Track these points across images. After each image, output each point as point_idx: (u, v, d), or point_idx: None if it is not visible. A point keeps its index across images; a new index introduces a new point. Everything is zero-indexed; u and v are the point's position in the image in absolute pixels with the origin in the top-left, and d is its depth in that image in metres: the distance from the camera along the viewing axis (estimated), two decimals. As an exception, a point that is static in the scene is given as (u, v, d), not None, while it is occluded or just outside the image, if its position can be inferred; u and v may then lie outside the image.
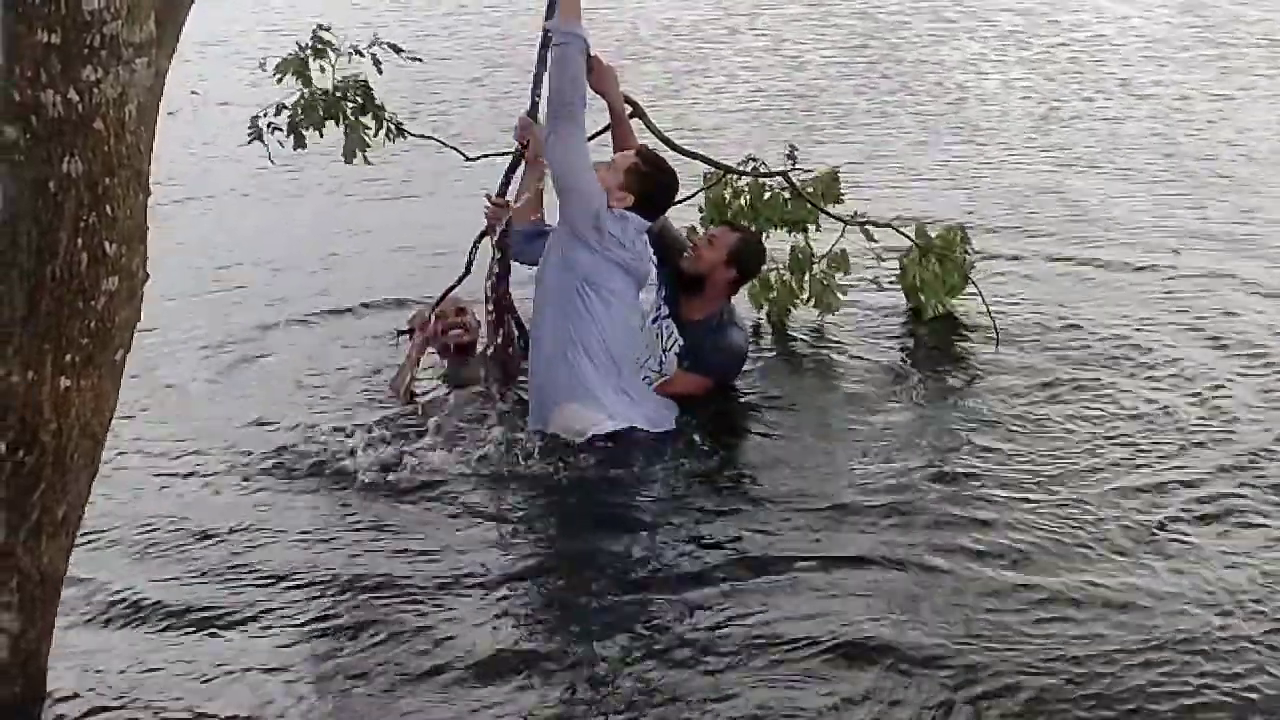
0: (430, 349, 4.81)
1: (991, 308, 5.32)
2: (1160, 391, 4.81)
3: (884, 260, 5.52)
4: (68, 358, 2.51)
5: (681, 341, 4.65)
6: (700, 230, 5.13)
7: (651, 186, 4.37)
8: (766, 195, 5.25)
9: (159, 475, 4.29)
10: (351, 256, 6.63)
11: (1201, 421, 4.54)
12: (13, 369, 2.50)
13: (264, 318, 5.78)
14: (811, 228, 5.29)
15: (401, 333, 4.90)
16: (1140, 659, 3.21)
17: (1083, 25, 11.92)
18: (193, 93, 9.07)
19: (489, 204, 4.61)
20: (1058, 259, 6.37)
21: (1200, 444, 4.37)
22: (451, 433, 4.41)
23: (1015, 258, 6.39)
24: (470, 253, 4.75)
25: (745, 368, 4.92)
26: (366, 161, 4.81)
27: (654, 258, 4.49)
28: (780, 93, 9.94)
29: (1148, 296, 5.80)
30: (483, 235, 4.68)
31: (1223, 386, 4.84)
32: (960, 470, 4.19)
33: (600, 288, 4.26)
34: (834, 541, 3.79)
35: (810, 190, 5.21)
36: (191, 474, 4.31)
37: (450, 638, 3.35)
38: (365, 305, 5.86)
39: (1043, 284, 6.02)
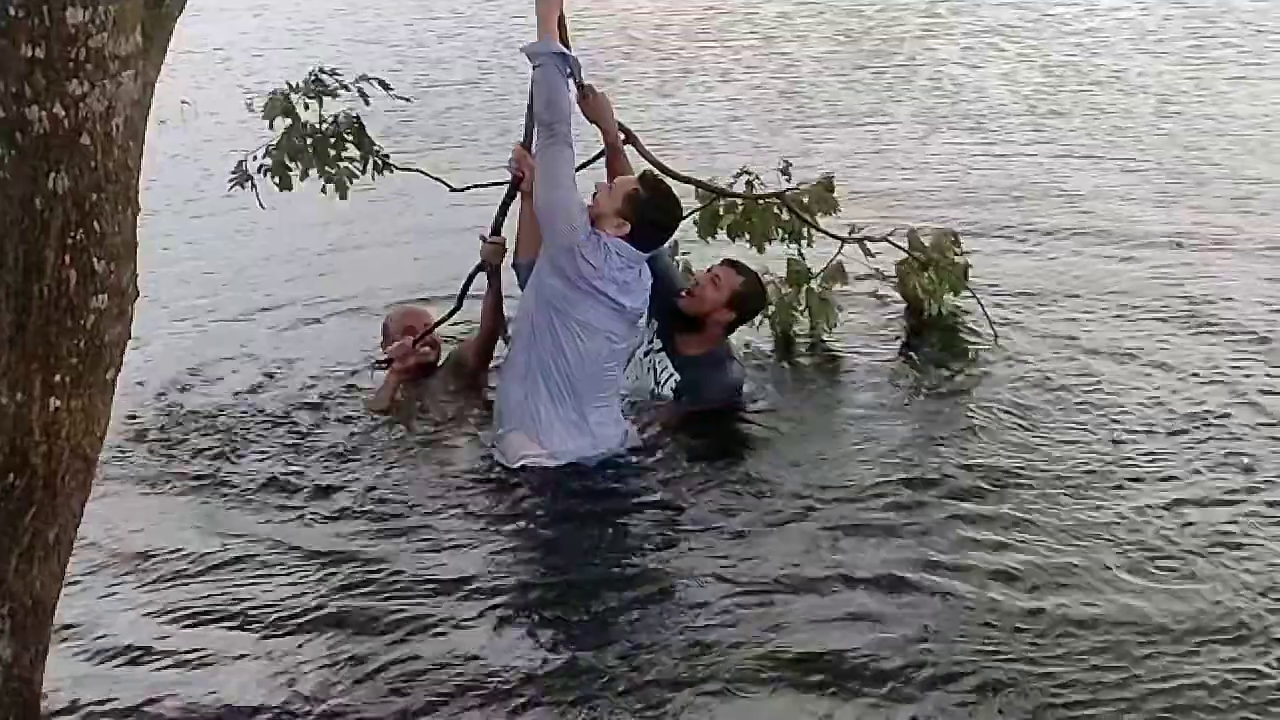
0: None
1: (990, 302, 5.30)
2: (1163, 389, 4.77)
3: (883, 272, 5.43)
4: (57, 378, 2.45)
5: (677, 377, 4.56)
6: (692, 271, 4.96)
7: (651, 214, 4.18)
8: (760, 209, 5.15)
9: (144, 497, 4.23)
10: (346, 264, 6.59)
11: (1206, 420, 4.49)
12: (1, 391, 2.44)
13: (249, 328, 5.75)
14: (806, 240, 5.20)
15: (379, 364, 4.82)
16: (1148, 682, 3.13)
17: (1075, 18, 11.90)
18: (183, 102, 9.01)
19: (484, 242, 4.56)
20: (1055, 250, 6.36)
21: (1205, 444, 4.32)
22: (431, 451, 4.40)
23: (1012, 249, 6.39)
24: (463, 288, 4.71)
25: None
26: (344, 197, 4.73)
27: (648, 287, 4.30)
28: (773, 91, 9.91)
29: (1148, 288, 5.78)
30: (476, 270, 4.63)
31: (1224, 381, 4.81)
32: (962, 483, 4.09)
33: (569, 318, 4.11)
34: (835, 559, 3.69)
35: (804, 201, 5.12)
36: (176, 497, 4.25)
37: (439, 666, 3.28)
38: (354, 310, 5.83)
39: (1041, 275, 6.01)
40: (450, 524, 3.98)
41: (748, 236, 5.14)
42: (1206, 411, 4.56)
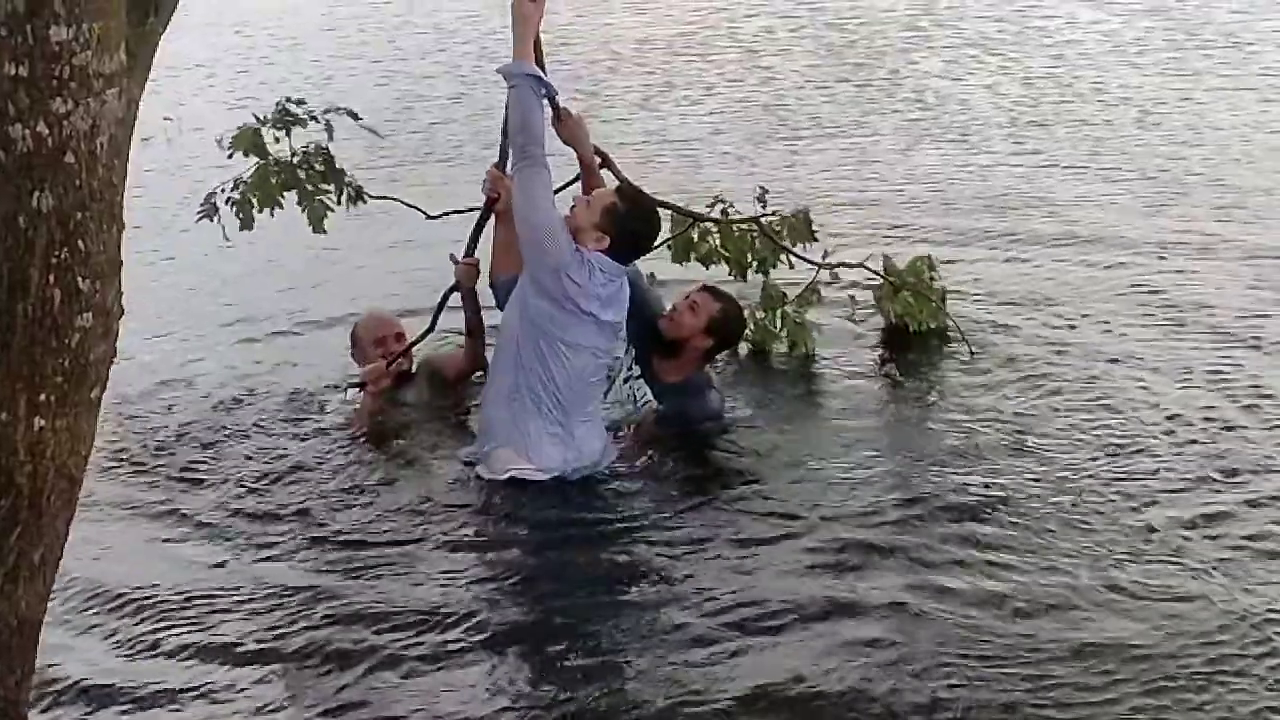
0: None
1: (974, 310, 5.37)
2: (1151, 397, 4.80)
3: (857, 299, 5.45)
4: (42, 397, 2.43)
5: (657, 405, 4.54)
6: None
7: (631, 226, 4.17)
8: (735, 235, 5.16)
9: (118, 522, 4.18)
10: (329, 278, 6.57)
11: (1197, 430, 4.52)
12: (-15, 411, 2.42)
13: (227, 344, 5.75)
14: (783, 264, 5.22)
15: (353, 385, 4.79)
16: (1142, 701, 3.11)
17: (1056, 31, 11.97)
18: (166, 119, 8.99)
19: (457, 264, 4.55)
20: (1039, 259, 6.41)
21: (1196, 454, 4.33)
22: (409, 473, 4.39)
23: (996, 259, 6.43)
24: (437, 308, 4.70)
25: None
26: (318, 231, 4.71)
27: (627, 300, 4.30)
28: (756, 105, 9.94)
29: (1133, 295, 5.82)
30: (450, 291, 4.64)
31: (1210, 388, 4.84)
32: (952, 501, 4.06)
33: (555, 339, 4.11)
34: (826, 584, 3.64)
35: (779, 230, 5.13)
36: (148, 522, 4.22)
37: (417, 696, 3.25)
38: (335, 324, 5.79)
39: (1025, 284, 6.05)
40: (429, 552, 3.93)
41: (724, 263, 5.13)
42: (1197, 419, 4.59)
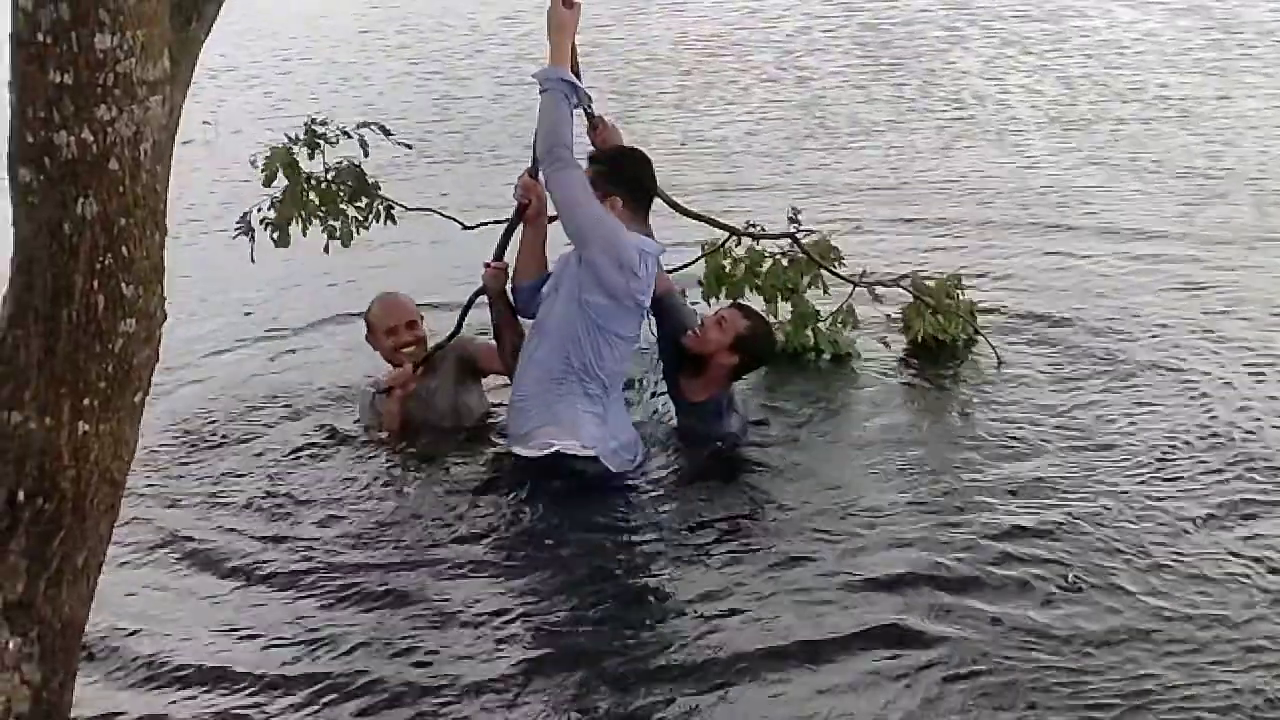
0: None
1: (1008, 315, 5.32)
2: (1183, 401, 4.71)
3: (892, 317, 5.35)
4: (86, 402, 2.45)
5: (675, 423, 4.47)
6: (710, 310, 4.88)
7: (627, 174, 4.23)
8: (767, 264, 5.15)
9: (148, 522, 4.16)
10: (362, 279, 6.60)
11: (1222, 437, 4.42)
12: (30, 415, 2.44)
13: (266, 346, 5.79)
14: (821, 286, 5.17)
15: (380, 391, 4.69)
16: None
17: (1095, 31, 11.87)
18: (205, 122, 9.07)
19: (487, 268, 4.52)
20: (1076, 262, 6.33)
21: (1240, 461, 4.24)
22: (437, 473, 4.37)
23: (1034, 262, 6.36)
24: (462, 313, 4.66)
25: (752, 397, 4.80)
26: (346, 245, 4.73)
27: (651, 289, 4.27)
28: (792, 105, 9.91)
29: (1169, 299, 5.73)
30: (476, 295, 4.60)
31: (1243, 395, 4.74)
32: (972, 522, 3.89)
33: (610, 333, 4.16)
34: (845, 608, 3.49)
35: (809, 249, 5.10)
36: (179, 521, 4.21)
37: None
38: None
39: (1062, 286, 5.97)
40: (457, 551, 3.90)
41: (756, 292, 5.10)
42: (1241, 420, 4.50)
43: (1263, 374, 4.92)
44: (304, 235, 4.70)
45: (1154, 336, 5.34)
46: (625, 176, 4.24)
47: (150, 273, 2.45)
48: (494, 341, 4.61)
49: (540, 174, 4.28)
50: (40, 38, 2.25)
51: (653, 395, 4.59)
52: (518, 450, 4.23)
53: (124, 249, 2.38)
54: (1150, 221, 6.86)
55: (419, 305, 4.89)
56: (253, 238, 4.60)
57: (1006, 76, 10.40)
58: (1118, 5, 12.79)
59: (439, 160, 8.71)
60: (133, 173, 2.35)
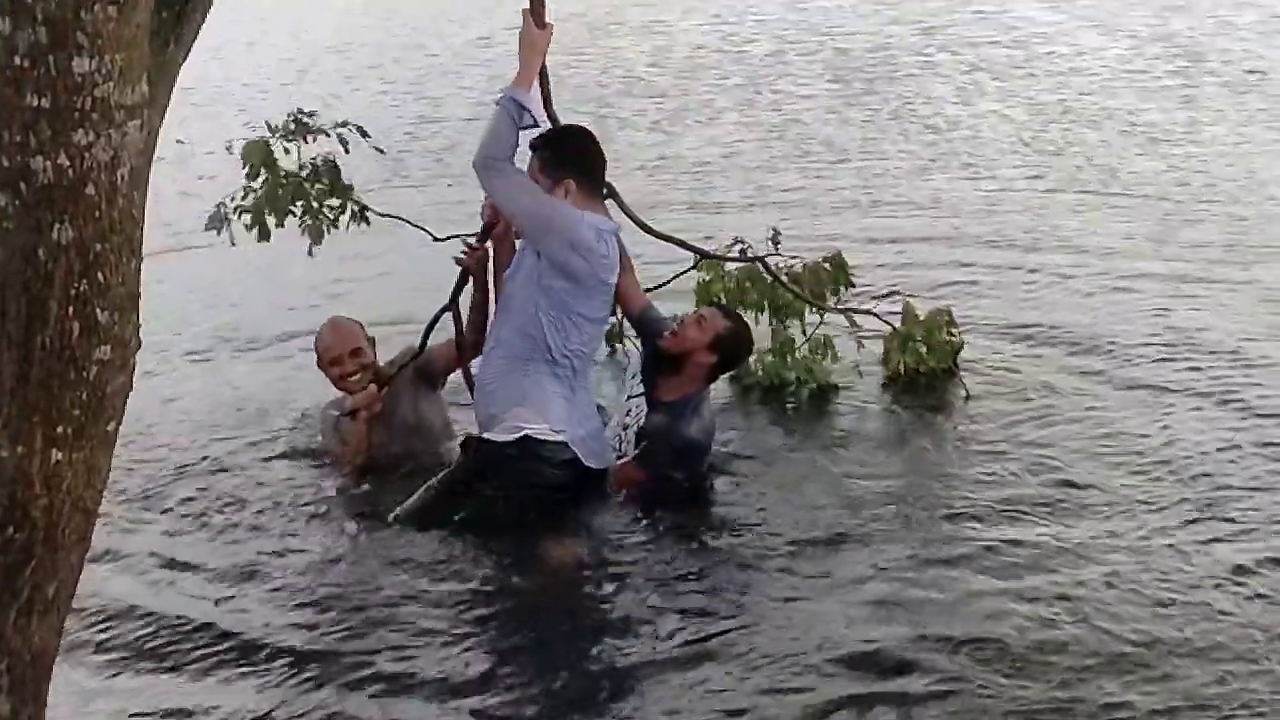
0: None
1: (984, 335, 5.36)
2: (1152, 423, 4.76)
3: (865, 346, 5.33)
4: (59, 429, 2.40)
5: (641, 423, 4.41)
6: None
7: (573, 149, 4.19)
8: (760, 279, 5.13)
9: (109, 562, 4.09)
10: (343, 294, 6.57)
11: (1195, 458, 4.47)
12: (2, 443, 2.39)
13: (231, 366, 5.76)
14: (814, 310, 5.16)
15: (344, 414, 4.60)
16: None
17: (1064, 58, 12.00)
18: (179, 141, 9.01)
19: (466, 249, 4.50)
20: (1046, 286, 6.38)
21: (1196, 490, 4.27)
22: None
23: (1002, 285, 6.40)
24: (426, 332, 4.60)
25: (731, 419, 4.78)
26: (318, 243, 4.69)
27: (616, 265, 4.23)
28: (765, 128, 9.96)
29: (1138, 322, 5.78)
30: (440, 314, 4.54)
31: (1212, 420, 4.79)
32: (955, 546, 3.91)
33: (574, 314, 4.12)
34: (827, 637, 3.47)
35: (800, 277, 5.10)
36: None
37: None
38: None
39: (1031, 310, 6.01)
40: (421, 583, 3.85)
41: (746, 309, 5.08)
42: (1210, 447, 4.54)
43: (1238, 394, 4.97)
44: (280, 226, 4.65)
45: (1127, 359, 5.39)
46: (570, 156, 4.18)
47: (126, 299, 2.41)
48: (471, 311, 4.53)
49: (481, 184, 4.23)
50: (17, 61, 2.21)
51: (628, 397, 4.56)
52: (487, 436, 4.12)
53: (100, 275, 2.34)
54: (1121, 244, 6.93)
55: (388, 324, 4.84)
56: (227, 230, 4.57)
57: (977, 102, 10.50)
58: (1086, 33, 12.94)
59: (416, 182, 8.70)
60: (110, 198, 2.31)
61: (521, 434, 4.05)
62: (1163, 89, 10.59)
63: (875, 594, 3.69)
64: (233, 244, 4.63)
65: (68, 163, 2.26)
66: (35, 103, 2.23)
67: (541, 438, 4.06)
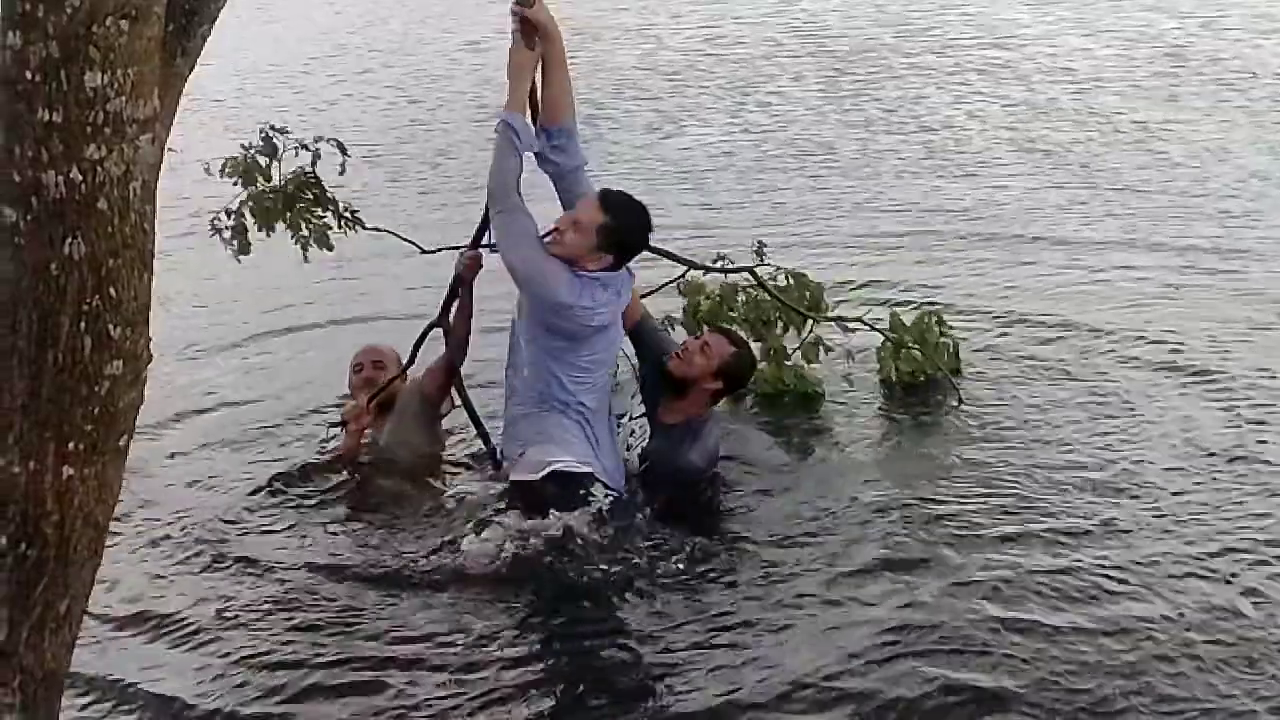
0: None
1: (972, 340, 5.35)
2: (1157, 434, 4.75)
3: (855, 354, 5.29)
4: (70, 445, 2.39)
5: (644, 445, 4.43)
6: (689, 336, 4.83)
7: (628, 237, 4.12)
8: (741, 299, 5.16)
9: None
10: (335, 292, 6.56)
11: (1187, 453, 4.51)
12: (13, 459, 2.38)
13: (225, 366, 5.79)
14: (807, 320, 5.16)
15: (334, 425, 4.73)
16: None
17: (1051, 58, 12.02)
18: (169, 150, 8.96)
19: (462, 256, 4.51)
20: (1036, 287, 6.40)
21: (1189, 482, 4.31)
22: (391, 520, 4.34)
23: (994, 287, 6.41)
24: (415, 345, 4.65)
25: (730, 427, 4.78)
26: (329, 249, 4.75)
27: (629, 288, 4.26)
28: (757, 132, 9.96)
29: (1129, 325, 5.79)
30: (429, 329, 4.59)
31: (1202, 414, 4.81)
32: (954, 556, 3.88)
33: (579, 356, 4.14)
34: (832, 656, 3.44)
35: (785, 287, 5.11)
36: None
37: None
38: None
39: (1022, 312, 6.01)
40: (425, 592, 3.87)
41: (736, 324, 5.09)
42: (1201, 450, 4.56)
43: (1228, 389, 5.01)
44: (267, 236, 4.70)
45: (1119, 358, 5.42)
46: (628, 243, 4.14)
47: (138, 314, 2.40)
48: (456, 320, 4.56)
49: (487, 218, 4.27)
50: (29, 76, 2.20)
51: (630, 419, 4.56)
52: (515, 477, 4.18)
53: (112, 290, 2.33)
54: (1108, 249, 6.94)
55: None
56: (223, 240, 4.66)
57: (965, 102, 10.52)
58: (1072, 34, 12.98)
59: (409, 192, 8.69)
60: (122, 212, 2.30)
61: (548, 470, 4.09)
62: (1148, 89, 10.63)
63: (873, 597, 3.71)
64: (238, 260, 4.72)
65: (80, 177, 2.25)
66: (47, 117, 2.22)
67: (569, 470, 4.09)
